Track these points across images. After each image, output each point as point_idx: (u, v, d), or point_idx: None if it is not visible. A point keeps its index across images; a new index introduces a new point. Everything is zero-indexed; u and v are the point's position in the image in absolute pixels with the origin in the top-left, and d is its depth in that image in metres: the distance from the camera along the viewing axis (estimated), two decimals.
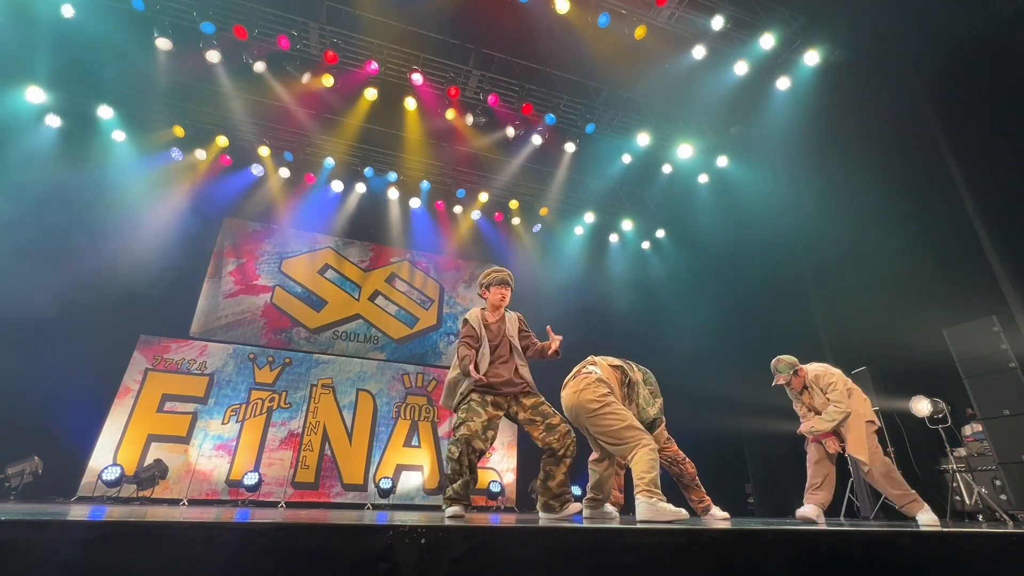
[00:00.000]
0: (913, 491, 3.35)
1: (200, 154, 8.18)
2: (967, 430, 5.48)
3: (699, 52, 6.78)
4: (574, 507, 3.03)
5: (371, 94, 7.50)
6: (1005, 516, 4.67)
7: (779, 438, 6.51)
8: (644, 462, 2.66)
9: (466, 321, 3.19)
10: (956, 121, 5.44)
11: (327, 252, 9.36)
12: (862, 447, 3.42)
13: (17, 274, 6.54)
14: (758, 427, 7.60)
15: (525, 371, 3.07)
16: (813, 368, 3.82)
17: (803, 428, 3.75)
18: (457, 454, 2.71)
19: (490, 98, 7.58)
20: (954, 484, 5.26)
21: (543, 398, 3.04)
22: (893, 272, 6.11)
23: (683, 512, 2.56)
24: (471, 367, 2.92)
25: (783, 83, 7.05)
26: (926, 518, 3.24)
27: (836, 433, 3.58)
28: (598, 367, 3.15)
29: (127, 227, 7.64)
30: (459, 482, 2.70)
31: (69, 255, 7.05)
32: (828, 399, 3.60)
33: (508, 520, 2.75)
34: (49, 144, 7.40)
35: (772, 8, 6.59)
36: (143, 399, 7.30)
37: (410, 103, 7.71)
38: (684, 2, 6.41)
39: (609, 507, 3.33)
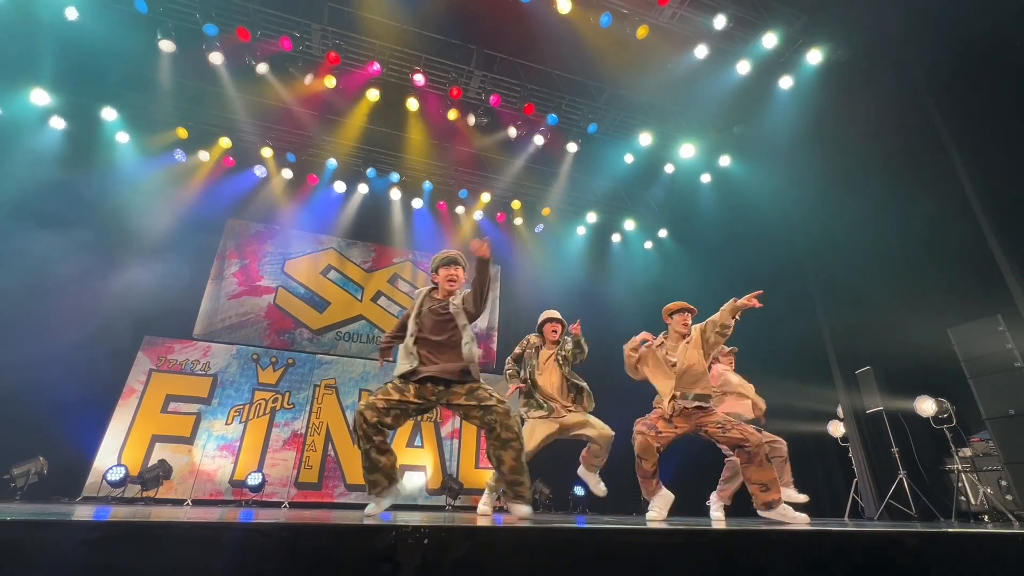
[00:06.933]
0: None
1: (203, 155, 8.21)
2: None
3: (701, 51, 6.75)
4: (523, 509, 2.68)
5: (373, 95, 7.51)
6: (1012, 516, 4.65)
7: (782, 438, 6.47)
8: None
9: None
10: (961, 118, 5.40)
11: (330, 253, 9.38)
12: None
13: (21, 275, 6.58)
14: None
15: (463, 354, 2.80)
16: None
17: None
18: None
19: (492, 98, 7.58)
20: (959, 484, 5.24)
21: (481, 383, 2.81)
22: (897, 271, 6.07)
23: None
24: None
25: (786, 82, 7.02)
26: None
27: None
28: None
29: (131, 228, 7.67)
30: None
31: (73, 256, 7.08)
32: None
33: (510, 520, 2.75)
34: (53, 146, 7.43)
35: (774, 7, 6.57)
36: (147, 400, 7.33)
37: (412, 104, 7.72)
38: (686, 1, 6.39)
39: None
